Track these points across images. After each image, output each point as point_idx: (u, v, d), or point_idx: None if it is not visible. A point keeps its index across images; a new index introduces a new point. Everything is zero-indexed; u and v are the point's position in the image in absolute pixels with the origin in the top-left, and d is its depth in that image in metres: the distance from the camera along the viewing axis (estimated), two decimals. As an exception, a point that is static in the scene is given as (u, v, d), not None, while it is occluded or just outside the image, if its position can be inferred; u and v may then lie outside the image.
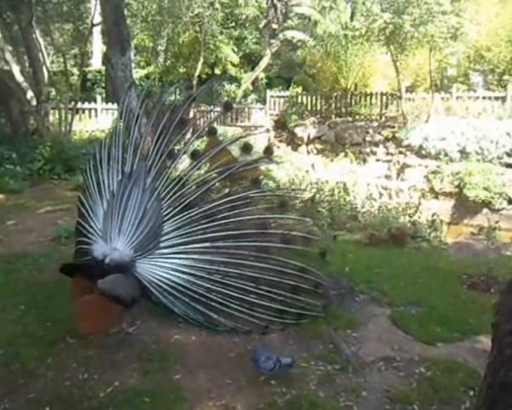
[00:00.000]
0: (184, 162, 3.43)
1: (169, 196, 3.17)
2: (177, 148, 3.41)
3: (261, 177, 3.66)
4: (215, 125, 3.94)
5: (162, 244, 3.01)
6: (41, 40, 10.57)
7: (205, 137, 3.84)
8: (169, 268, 2.96)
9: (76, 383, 2.45)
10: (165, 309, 3.00)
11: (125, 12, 7.62)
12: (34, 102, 10.11)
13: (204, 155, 3.42)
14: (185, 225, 3.08)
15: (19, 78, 10.07)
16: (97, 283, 2.56)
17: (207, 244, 3.08)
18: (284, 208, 3.34)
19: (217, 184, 3.36)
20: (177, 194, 3.18)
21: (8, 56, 10.16)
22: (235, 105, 14.90)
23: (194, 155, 3.45)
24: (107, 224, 2.97)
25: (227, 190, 3.40)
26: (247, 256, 3.10)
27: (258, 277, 3.02)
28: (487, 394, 1.63)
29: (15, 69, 10.12)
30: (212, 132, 3.64)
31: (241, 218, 3.22)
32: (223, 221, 3.15)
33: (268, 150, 3.54)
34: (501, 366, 1.56)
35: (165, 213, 3.10)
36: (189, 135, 3.44)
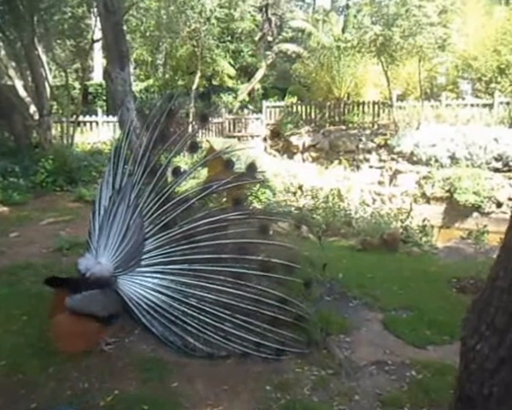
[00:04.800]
0: (169, 178, 3.35)
1: (150, 213, 3.10)
2: (159, 163, 3.33)
3: (243, 196, 3.41)
4: (197, 139, 3.61)
5: (143, 262, 2.96)
6: (43, 56, 10.65)
7: (187, 153, 3.70)
8: (148, 287, 2.90)
9: (77, 393, 2.46)
10: (145, 329, 2.91)
11: (125, 28, 7.90)
12: (37, 116, 10.18)
13: (186, 172, 3.35)
14: (165, 245, 3.01)
15: (22, 93, 10.19)
16: (66, 300, 2.52)
17: (185, 266, 2.98)
18: (265, 234, 3.13)
19: (197, 203, 3.20)
20: (158, 211, 3.11)
21: (12, 72, 10.28)
22: (231, 116, 15.25)
23: (176, 172, 3.37)
24: (98, 239, 3.00)
25: (207, 211, 3.22)
26: (224, 282, 2.94)
27: (233, 304, 2.88)
28: (456, 407, 1.67)
29: (18, 84, 10.25)
30: (194, 148, 3.48)
31: (219, 241, 3.08)
32: (201, 243, 3.03)
33: (251, 167, 3.29)
34: (467, 380, 1.59)
35: (147, 230, 3.05)
36: (173, 148, 3.34)
